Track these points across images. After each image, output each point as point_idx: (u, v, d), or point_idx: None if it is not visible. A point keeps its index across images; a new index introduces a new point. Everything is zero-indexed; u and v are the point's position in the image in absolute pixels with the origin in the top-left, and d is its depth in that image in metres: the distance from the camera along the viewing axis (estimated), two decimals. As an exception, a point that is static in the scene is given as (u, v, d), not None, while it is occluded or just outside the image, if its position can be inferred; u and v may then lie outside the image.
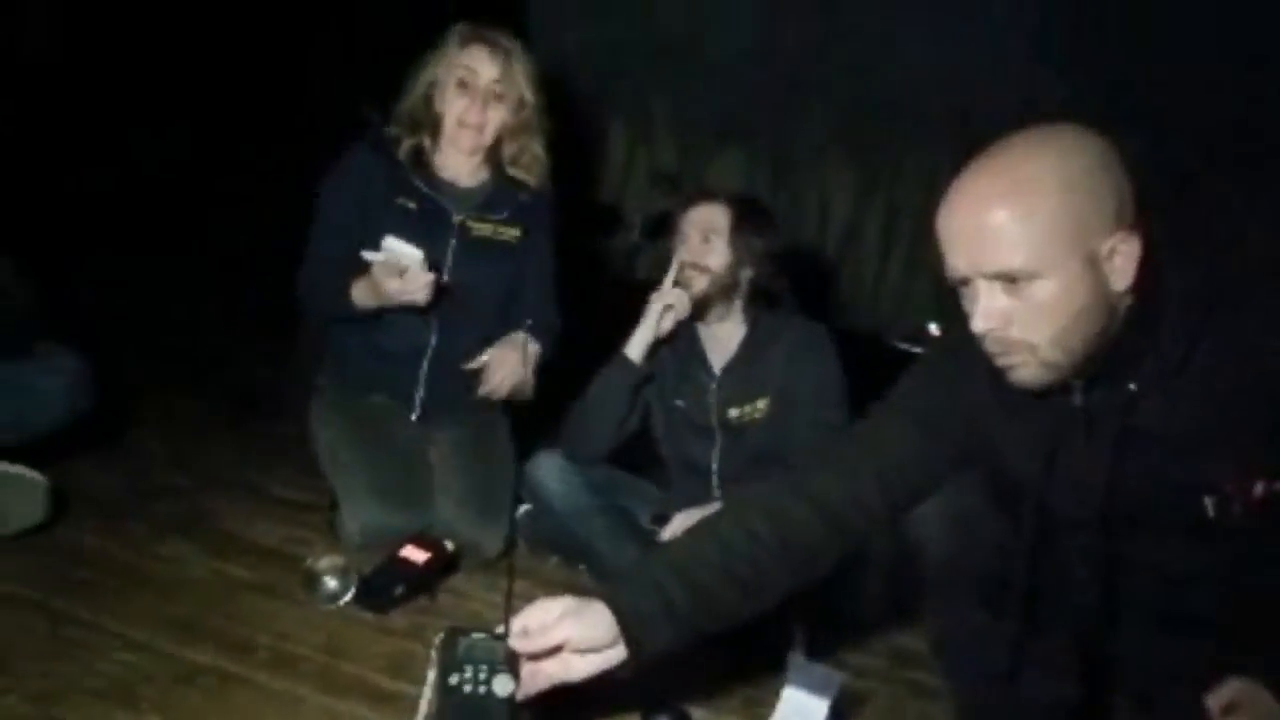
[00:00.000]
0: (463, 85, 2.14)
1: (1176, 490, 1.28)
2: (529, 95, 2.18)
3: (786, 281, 2.22)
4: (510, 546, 2.16)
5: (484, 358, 2.20)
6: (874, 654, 2.04)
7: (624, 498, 2.23)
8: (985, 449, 1.43)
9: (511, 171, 2.23)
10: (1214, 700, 1.25)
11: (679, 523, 2.05)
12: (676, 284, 2.13)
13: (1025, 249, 1.18)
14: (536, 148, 2.22)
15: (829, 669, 1.70)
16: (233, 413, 2.73)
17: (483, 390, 2.20)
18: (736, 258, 2.15)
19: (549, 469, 2.17)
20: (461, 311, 2.19)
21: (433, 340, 2.21)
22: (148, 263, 3.41)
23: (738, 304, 2.19)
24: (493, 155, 2.22)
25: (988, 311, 1.22)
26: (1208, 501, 1.28)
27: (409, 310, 2.10)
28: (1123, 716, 1.63)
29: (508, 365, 2.19)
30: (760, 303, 2.20)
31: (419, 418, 2.24)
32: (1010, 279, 1.20)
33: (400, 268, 1.98)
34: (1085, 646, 1.55)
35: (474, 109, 2.14)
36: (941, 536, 1.47)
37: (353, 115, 2.37)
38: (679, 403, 2.23)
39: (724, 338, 2.22)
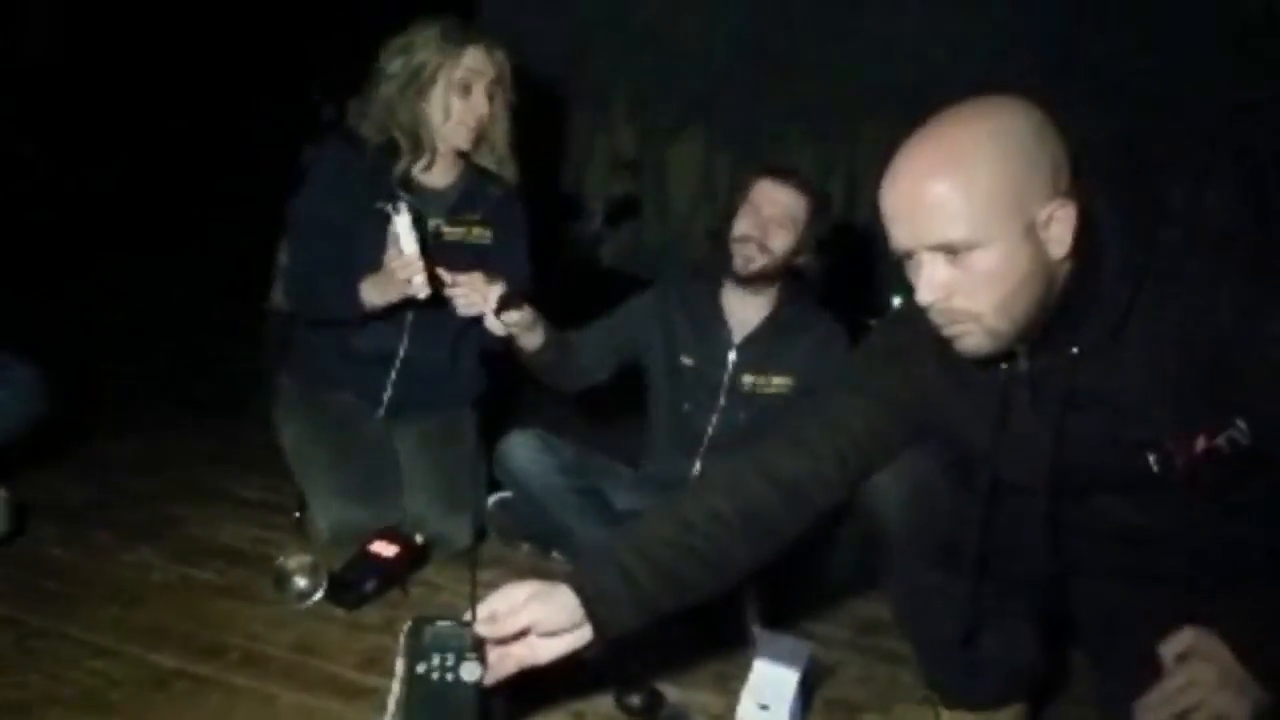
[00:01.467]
0: (466, 88, 2.10)
1: (1121, 448, 1.32)
2: (513, 94, 2.17)
3: (821, 268, 2.26)
4: (480, 538, 2.17)
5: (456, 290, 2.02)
6: (841, 625, 2.08)
7: (596, 479, 2.23)
8: (937, 420, 1.46)
9: (483, 163, 2.19)
10: (1167, 649, 1.28)
11: None
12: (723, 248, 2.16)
13: (965, 220, 1.20)
14: (508, 139, 2.18)
15: (797, 640, 1.73)
16: (197, 417, 2.72)
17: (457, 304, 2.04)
18: (801, 247, 2.20)
19: (522, 449, 2.18)
20: (433, 317, 2.15)
21: (403, 347, 2.19)
22: (115, 263, 3.37)
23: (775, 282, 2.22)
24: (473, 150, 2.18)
25: (931, 283, 1.24)
26: (1151, 458, 1.31)
27: (382, 315, 2.08)
28: (1081, 672, 1.67)
29: (476, 286, 2.02)
30: (793, 283, 2.24)
31: (385, 414, 2.23)
32: (951, 250, 1.22)
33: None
34: (1041, 606, 1.60)
35: (477, 111, 2.11)
36: (899, 506, 1.49)
37: (305, 106, 2.34)
38: (687, 360, 2.25)
39: (750, 308, 2.24)
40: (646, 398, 2.33)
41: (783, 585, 1.97)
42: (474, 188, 2.22)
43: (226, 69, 3.54)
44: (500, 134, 2.17)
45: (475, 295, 2.01)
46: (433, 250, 2.07)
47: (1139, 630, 1.33)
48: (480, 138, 2.15)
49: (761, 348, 2.23)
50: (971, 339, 1.28)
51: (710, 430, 2.23)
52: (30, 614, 1.65)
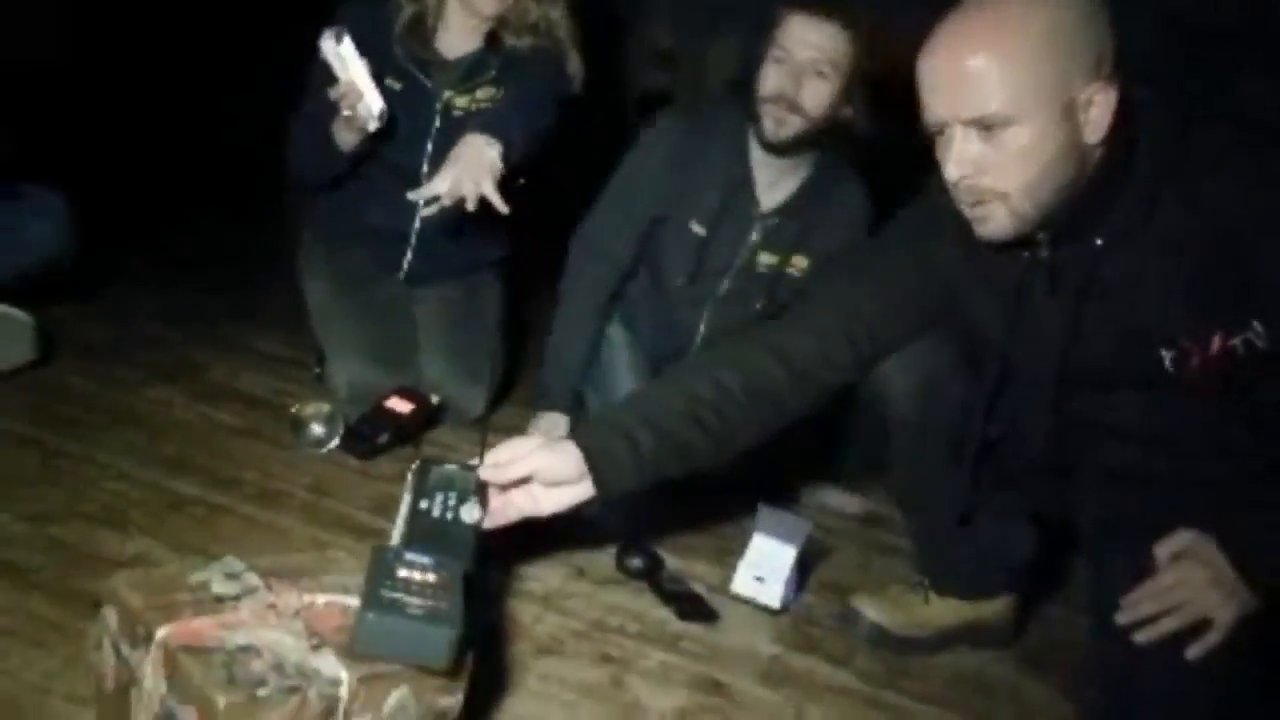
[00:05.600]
0: None
1: (1135, 343, 1.32)
2: None
3: (871, 120, 1.87)
4: (492, 407, 2.20)
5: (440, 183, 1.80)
6: (842, 516, 2.11)
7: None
8: (952, 307, 1.47)
9: (510, 41, 2.09)
10: (1162, 549, 1.30)
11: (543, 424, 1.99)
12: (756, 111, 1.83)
13: (1003, 93, 1.19)
14: (554, 11, 2.06)
15: (798, 517, 1.77)
16: (223, 276, 2.75)
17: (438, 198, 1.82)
18: (844, 99, 1.83)
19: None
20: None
21: (416, 224, 2.16)
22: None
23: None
24: (503, 22, 2.08)
25: (961, 158, 1.24)
26: (1166, 355, 1.31)
27: (392, 191, 2.02)
28: (1075, 577, 1.70)
29: (467, 180, 1.78)
30: (836, 143, 1.90)
31: (406, 278, 2.25)
32: (986, 125, 1.21)
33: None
34: (1041, 503, 1.62)
35: None
36: (907, 394, 1.51)
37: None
38: (698, 229, 1.95)
39: (781, 171, 1.93)
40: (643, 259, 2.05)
41: (788, 472, 2.00)
42: (489, 54, 2.09)
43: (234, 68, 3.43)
44: (554, 21, 2.06)
45: (465, 184, 1.76)
46: (440, 128, 2.05)
47: (1137, 532, 1.34)
48: (512, 19, 2.05)
49: (791, 223, 1.95)
50: (996, 221, 1.28)
51: (714, 302, 2.01)
52: (55, 436, 1.70)
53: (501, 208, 1.79)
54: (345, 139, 1.99)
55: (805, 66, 1.81)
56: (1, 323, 1.83)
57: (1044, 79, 1.19)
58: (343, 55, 1.85)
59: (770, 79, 1.83)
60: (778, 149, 1.87)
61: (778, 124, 1.84)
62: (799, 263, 2.00)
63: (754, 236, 1.97)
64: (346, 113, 1.89)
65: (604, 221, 2.04)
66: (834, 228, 1.97)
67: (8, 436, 1.68)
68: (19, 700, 1.10)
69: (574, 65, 2.11)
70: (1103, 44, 1.22)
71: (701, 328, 2.06)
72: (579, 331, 2.06)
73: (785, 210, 1.96)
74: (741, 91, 1.89)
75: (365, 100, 1.87)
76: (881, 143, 1.90)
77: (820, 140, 1.88)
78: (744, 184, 1.94)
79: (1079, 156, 1.24)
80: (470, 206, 1.78)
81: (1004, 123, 1.20)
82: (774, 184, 1.95)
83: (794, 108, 1.82)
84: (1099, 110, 1.22)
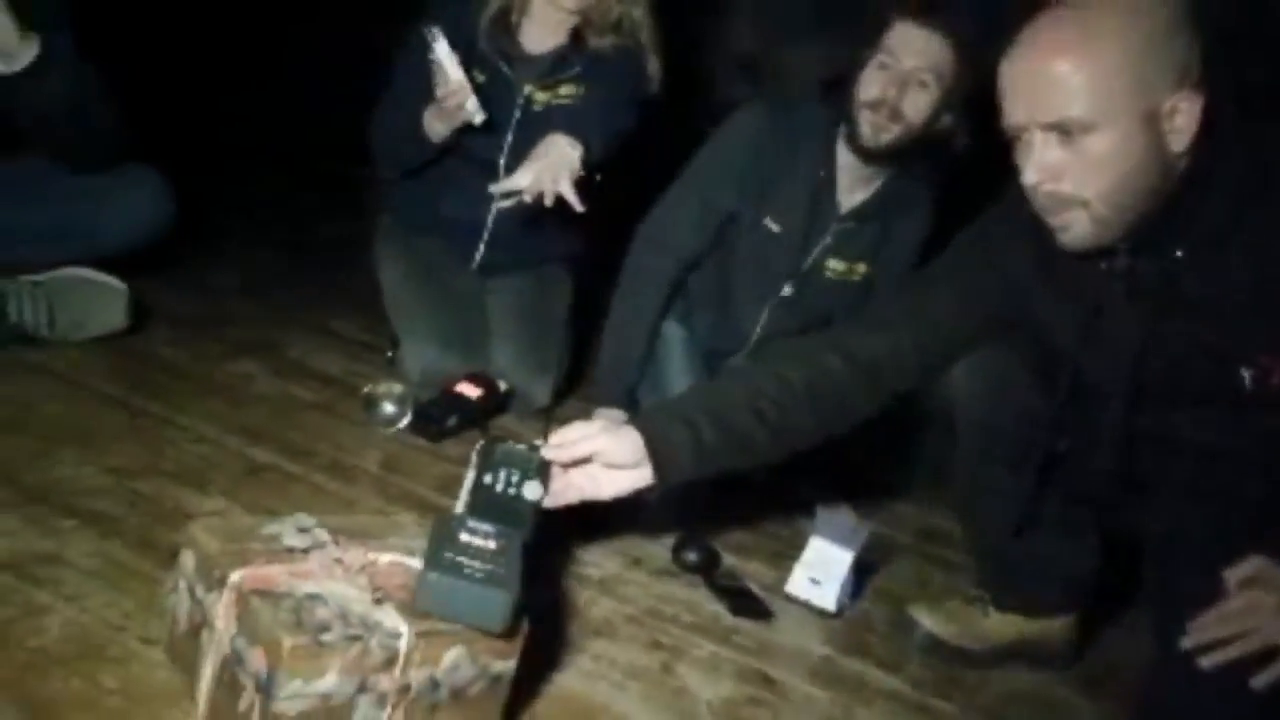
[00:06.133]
0: None
1: (1214, 360, 1.30)
2: None
3: (964, 133, 1.87)
4: (557, 399, 2.23)
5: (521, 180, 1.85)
6: (905, 530, 2.11)
7: None
8: (1025, 315, 1.46)
9: (593, 40, 2.13)
10: (1232, 574, 1.27)
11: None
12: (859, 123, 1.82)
13: (1085, 99, 1.18)
14: (636, 10, 2.09)
15: (858, 522, 1.77)
16: (305, 260, 2.84)
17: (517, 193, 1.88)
18: (944, 108, 1.83)
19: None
20: None
21: (490, 219, 2.21)
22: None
23: None
24: (587, 19, 2.12)
25: (1041, 163, 1.23)
26: (1245, 373, 1.29)
27: (470, 182, 2.08)
28: (1141, 588, 1.67)
29: (546, 178, 1.82)
30: (929, 155, 1.91)
31: (479, 268, 2.29)
32: (1066, 130, 1.21)
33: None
34: (1106, 520, 1.60)
35: None
36: (975, 399, 1.51)
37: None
38: (773, 226, 1.95)
39: (863, 179, 1.92)
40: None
41: (853, 479, 1.99)
42: (571, 52, 2.13)
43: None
44: (637, 21, 2.10)
45: (545, 181, 1.80)
46: (521, 122, 2.09)
47: (1206, 553, 1.32)
48: (595, 16, 2.09)
49: (863, 229, 1.95)
50: (1075, 228, 1.27)
51: (777, 301, 2.00)
52: (141, 399, 1.77)
53: (578, 206, 1.82)
54: (437, 129, 2.05)
55: (910, 75, 1.80)
56: (99, 290, 1.92)
57: (1127, 86, 1.18)
58: (442, 54, 1.92)
59: (874, 84, 1.82)
60: (873, 155, 1.87)
61: (877, 130, 1.83)
62: (860, 269, 2.01)
63: (828, 239, 1.98)
64: (460, 114, 1.96)
65: (674, 213, 2.02)
66: (901, 238, 1.98)
67: (98, 396, 1.76)
68: (98, 636, 1.15)
69: (654, 67, 2.15)
70: (1189, 53, 1.21)
71: (758, 330, 2.07)
72: (637, 328, 2.04)
73: (860, 214, 1.96)
74: (836, 93, 1.89)
75: (473, 97, 1.95)
76: (966, 154, 1.91)
77: (914, 150, 1.88)
78: (828, 186, 1.93)
79: (1162, 166, 1.23)
80: (548, 203, 1.82)
81: (1084, 129, 1.20)
82: (852, 188, 1.95)
83: (895, 115, 1.82)
84: (1183, 120, 1.21)
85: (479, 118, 1.98)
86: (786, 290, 2.01)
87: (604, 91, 2.09)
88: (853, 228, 1.97)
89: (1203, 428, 1.38)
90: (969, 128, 1.86)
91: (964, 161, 1.91)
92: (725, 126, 2.01)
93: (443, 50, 1.92)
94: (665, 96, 2.18)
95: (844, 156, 1.91)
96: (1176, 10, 1.22)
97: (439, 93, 1.96)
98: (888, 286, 1.98)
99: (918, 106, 1.82)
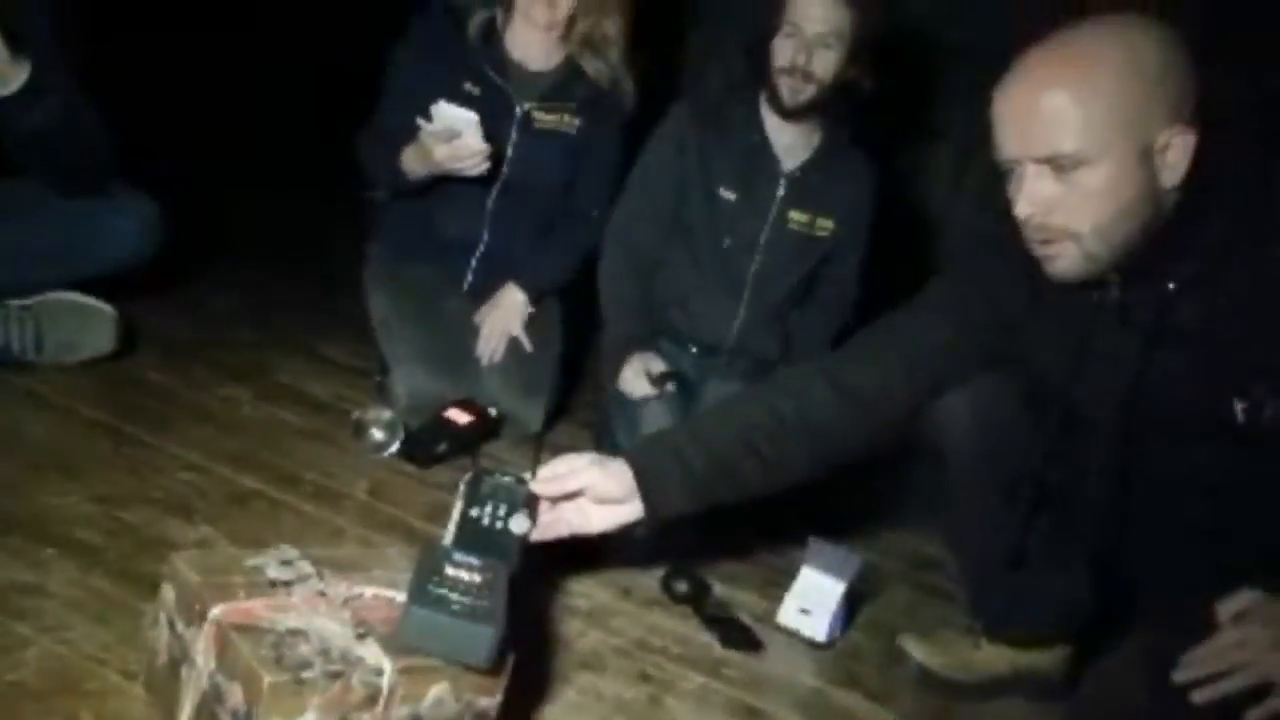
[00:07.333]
0: None
1: (1206, 392, 1.29)
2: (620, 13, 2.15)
3: (872, 81, 2.06)
4: (549, 424, 2.22)
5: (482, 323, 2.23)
6: (896, 558, 2.09)
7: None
8: (1016, 347, 1.46)
9: (583, 59, 2.19)
10: (1225, 608, 1.26)
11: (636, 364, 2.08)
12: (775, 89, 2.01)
13: (1077, 132, 1.19)
14: (610, 27, 2.16)
15: (848, 552, 1.75)
16: (300, 283, 2.83)
17: (482, 356, 2.22)
18: (849, 63, 2.01)
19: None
20: (517, 204, 2.21)
21: (485, 234, 2.24)
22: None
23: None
24: (567, 35, 2.18)
25: (1032, 196, 1.23)
26: (1237, 405, 1.28)
27: (465, 198, 2.13)
28: (1132, 620, 1.66)
29: (497, 329, 2.22)
30: (844, 102, 2.07)
31: (469, 291, 2.29)
32: (1059, 163, 1.21)
33: (452, 134, 1.96)
34: (1098, 552, 1.59)
35: None
36: (967, 429, 1.50)
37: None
38: (727, 194, 2.11)
39: (798, 137, 2.10)
40: (677, 240, 2.19)
41: (840, 511, 1.99)
42: (572, 79, 2.21)
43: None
44: (595, 16, 2.15)
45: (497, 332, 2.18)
46: (520, 137, 2.13)
47: (1197, 587, 1.31)
48: (571, 21, 2.14)
49: (812, 181, 2.11)
50: (1066, 260, 1.27)
51: (754, 267, 2.13)
52: (128, 424, 1.75)
53: (529, 347, 2.20)
54: (415, 170, 2.07)
55: (815, 40, 1.99)
56: (85, 313, 1.90)
57: (1121, 120, 1.19)
58: (449, 114, 1.95)
59: (784, 52, 2.00)
60: (794, 113, 2.05)
61: (794, 92, 2.02)
62: (825, 224, 2.14)
63: (781, 191, 2.11)
64: (459, 166, 2.00)
65: (629, 210, 2.19)
66: (851, 190, 2.14)
67: (83, 421, 1.74)
68: (76, 669, 1.13)
69: (628, 86, 2.23)
70: (1183, 87, 1.21)
71: (742, 309, 2.17)
72: (628, 291, 2.19)
73: (806, 168, 2.12)
74: (752, 63, 2.07)
75: (479, 150, 1.98)
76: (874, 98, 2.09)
77: (830, 99, 2.05)
78: (763, 148, 2.10)
79: (1155, 199, 1.23)
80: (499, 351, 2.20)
81: (1077, 163, 1.20)
82: (790, 148, 2.11)
83: (808, 77, 2.00)
84: (1176, 154, 1.21)
85: (479, 170, 2.02)
86: (759, 258, 2.14)
87: (600, 128, 2.23)
88: (800, 176, 2.11)
89: (1196, 461, 1.38)
90: (875, 70, 2.06)
91: (873, 99, 2.10)
92: (654, 135, 2.19)
93: (464, 118, 1.95)
94: (640, 112, 2.27)
95: (772, 120, 2.09)
96: (1170, 45, 1.22)
97: (461, 151, 1.98)
98: (854, 248, 2.17)
99: (826, 66, 2.00)
